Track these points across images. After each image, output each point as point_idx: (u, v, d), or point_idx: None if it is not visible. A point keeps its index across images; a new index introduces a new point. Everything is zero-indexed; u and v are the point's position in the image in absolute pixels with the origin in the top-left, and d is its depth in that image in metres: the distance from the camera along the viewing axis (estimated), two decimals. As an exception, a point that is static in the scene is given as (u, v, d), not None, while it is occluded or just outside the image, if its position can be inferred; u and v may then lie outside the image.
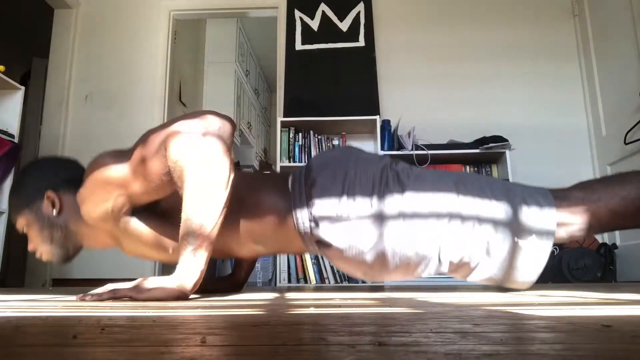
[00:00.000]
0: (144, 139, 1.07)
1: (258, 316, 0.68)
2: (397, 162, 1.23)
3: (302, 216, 1.15)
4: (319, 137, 3.24)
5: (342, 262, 1.19)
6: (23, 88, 2.78)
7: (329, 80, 3.47)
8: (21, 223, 1.25)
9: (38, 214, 1.22)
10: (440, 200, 1.13)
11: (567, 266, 2.57)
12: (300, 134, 3.22)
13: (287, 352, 0.36)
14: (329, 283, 2.93)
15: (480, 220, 1.11)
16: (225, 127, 1.06)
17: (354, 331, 0.48)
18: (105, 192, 1.11)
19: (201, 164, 1.00)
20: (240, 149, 5.44)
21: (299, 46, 3.55)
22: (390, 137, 3.15)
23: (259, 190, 1.22)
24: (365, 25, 3.55)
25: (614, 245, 2.76)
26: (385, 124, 3.18)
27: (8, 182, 2.62)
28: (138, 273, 1.56)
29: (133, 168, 1.07)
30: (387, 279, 1.20)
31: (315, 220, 1.14)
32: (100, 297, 0.99)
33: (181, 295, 0.99)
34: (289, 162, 3.16)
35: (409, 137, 3.09)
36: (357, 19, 3.57)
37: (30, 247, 1.27)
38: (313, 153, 3.19)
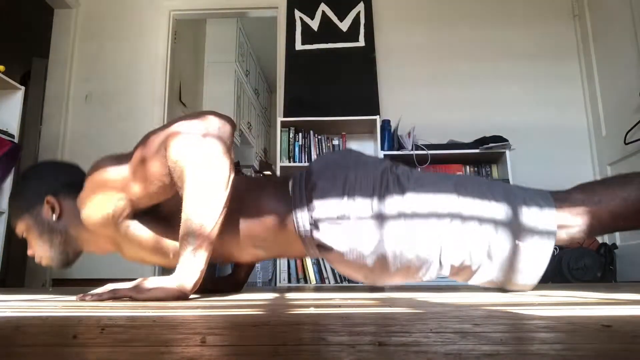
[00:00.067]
0: (144, 141, 1.07)
1: (258, 316, 0.68)
2: (398, 165, 1.23)
3: (302, 220, 1.15)
4: (319, 137, 3.24)
5: (343, 266, 1.18)
6: (23, 88, 2.78)
7: (329, 80, 3.47)
8: (21, 228, 1.25)
9: (38, 219, 1.22)
10: (441, 202, 1.13)
11: (567, 266, 2.57)
12: (300, 134, 3.22)
13: (287, 352, 0.36)
14: (329, 283, 2.93)
15: (481, 222, 1.11)
16: (226, 127, 1.06)
17: (354, 331, 0.48)
18: (106, 195, 1.10)
19: (201, 164, 1.00)
20: (240, 149, 5.44)
21: (299, 46, 3.55)
22: (390, 137, 3.15)
23: (259, 194, 1.22)
24: (365, 25, 3.55)
25: (614, 245, 2.76)
26: (385, 124, 3.18)
27: (8, 182, 2.62)
28: (138, 273, 1.56)
29: (133, 169, 1.07)
30: (389, 282, 1.20)
31: (316, 224, 1.14)
32: (100, 297, 0.99)
33: (181, 295, 0.99)
34: (289, 162, 3.16)
35: (409, 137, 3.09)
36: (357, 19, 3.57)
37: (29, 252, 1.27)
38: (313, 153, 3.19)
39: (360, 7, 3.58)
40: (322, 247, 1.16)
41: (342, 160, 1.24)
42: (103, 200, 1.11)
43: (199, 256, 0.99)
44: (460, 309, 0.74)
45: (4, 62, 2.67)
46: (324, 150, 3.23)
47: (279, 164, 3.16)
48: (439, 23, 3.57)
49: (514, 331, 0.48)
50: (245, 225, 1.17)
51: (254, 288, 2.28)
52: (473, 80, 3.43)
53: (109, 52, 3.63)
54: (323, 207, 1.13)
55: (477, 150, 3.02)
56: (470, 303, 0.88)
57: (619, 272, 2.70)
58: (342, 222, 1.12)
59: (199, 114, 1.08)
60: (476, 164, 3.18)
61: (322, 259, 2.88)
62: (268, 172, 5.64)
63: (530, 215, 1.11)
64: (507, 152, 2.99)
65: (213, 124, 1.04)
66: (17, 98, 2.75)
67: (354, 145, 3.39)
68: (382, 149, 3.10)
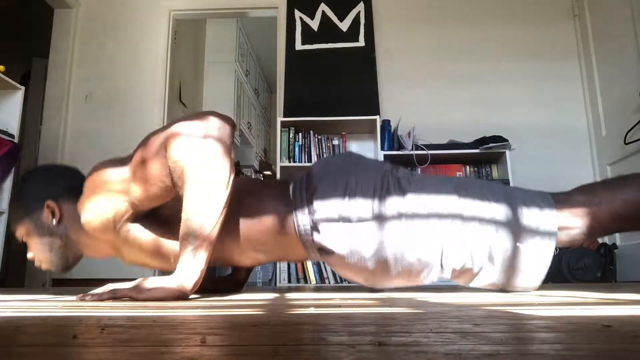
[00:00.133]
0: (144, 142, 1.07)
1: (258, 316, 0.68)
2: (398, 169, 1.24)
3: (303, 223, 1.15)
4: (319, 137, 3.24)
5: (344, 269, 1.18)
6: (23, 88, 2.78)
7: (329, 80, 3.47)
8: (21, 232, 1.25)
9: (38, 224, 1.22)
10: (442, 203, 1.13)
11: (567, 266, 2.57)
12: (300, 134, 3.22)
13: (287, 352, 0.36)
14: (329, 283, 2.93)
15: (482, 223, 1.11)
16: (226, 127, 1.06)
17: (354, 331, 0.48)
18: (106, 198, 1.10)
19: (201, 164, 1.00)
20: (240, 149, 5.44)
21: (299, 46, 3.55)
22: (390, 137, 3.15)
23: (260, 197, 1.22)
24: (365, 25, 3.55)
25: (614, 246, 2.76)
26: (385, 124, 3.18)
27: (8, 182, 2.62)
28: (138, 273, 1.56)
29: (133, 170, 1.07)
30: (390, 285, 1.20)
31: (317, 227, 1.14)
32: (100, 297, 0.99)
33: (181, 295, 0.99)
34: (289, 162, 3.16)
35: (409, 137, 3.09)
36: (357, 19, 3.57)
37: (29, 256, 1.26)
38: (313, 153, 3.19)
39: (360, 7, 3.59)
40: (323, 251, 1.16)
41: (342, 163, 1.24)
42: (103, 204, 1.10)
43: (199, 256, 0.99)
44: (460, 309, 0.74)
45: (4, 62, 2.67)
46: (324, 150, 3.23)
47: (279, 164, 3.16)
48: (439, 23, 3.57)
49: (514, 331, 0.48)
50: (246, 228, 1.17)
51: (254, 288, 2.28)
52: (473, 80, 3.43)
53: (109, 52, 3.63)
54: (324, 210, 1.13)
55: (477, 150, 3.02)
56: (470, 303, 0.88)
57: (619, 272, 2.70)
58: (343, 225, 1.12)
59: (199, 114, 1.08)
60: (476, 164, 3.18)
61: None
62: (268, 172, 5.65)
63: (531, 217, 1.11)
64: (507, 152, 2.99)
65: (213, 124, 1.04)
66: (17, 98, 2.75)
67: (354, 145, 3.39)
68: (382, 149, 3.10)
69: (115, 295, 0.99)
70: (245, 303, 0.99)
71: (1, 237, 2.56)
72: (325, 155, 3.21)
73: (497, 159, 3.12)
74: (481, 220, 1.11)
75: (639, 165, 2.68)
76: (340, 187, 1.15)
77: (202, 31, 5.10)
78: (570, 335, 0.44)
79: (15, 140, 2.69)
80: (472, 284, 1.16)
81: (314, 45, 3.55)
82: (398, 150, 3.11)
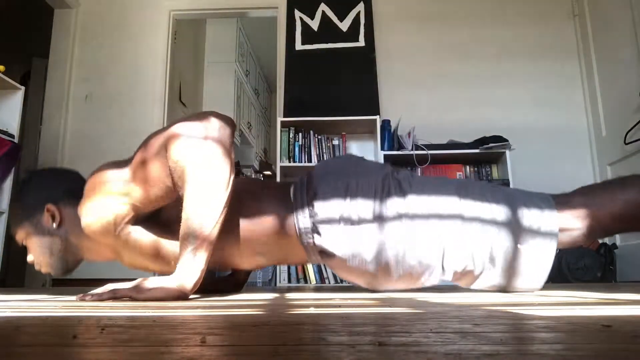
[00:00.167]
0: (144, 143, 1.07)
1: (258, 316, 0.68)
2: (399, 171, 1.24)
3: (304, 226, 1.15)
4: (319, 137, 3.24)
5: (345, 272, 1.18)
6: (23, 88, 2.78)
7: (329, 80, 3.47)
8: (21, 235, 1.25)
9: (38, 227, 1.22)
10: (442, 204, 1.13)
11: (567, 266, 2.57)
12: (300, 134, 3.22)
13: (287, 352, 0.36)
14: (329, 283, 2.93)
15: (483, 225, 1.11)
16: (226, 128, 1.06)
17: (354, 331, 0.48)
18: (107, 201, 1.09)
19: (202, 164, 1.00)
20: (240, 149, 5.44)
21: (299, 46, 3.55)
22: (390, 137, 3.15)
23: (260, 199, 1.21)
24: (365, 25, 3.55)
25: (614, 245, 2.76)
26: (385, 124, 3.18)
27: (8, 182, 2.62)
28: (138, 274, 1.56)
29: (134, 171, 1.07)
30: (391, 288, 1.20)
31: (318, 230, 1.14)
32: (100, 297, 0.99)
33: (181, 295, 0.99)
34: (289, 162, 3.16)
35: (409, 137, 3.09)
36: (357, 19, 3.57)
37: (29, 259, 1.26)
38: (313, 153, 3.19)
39: (360, 7, 3.59)
40: (324, 254, 1.16)
41: (343, 166, 1.24)
42: (104, 206, 1.10)
43: (199, 256, 0.99)
44: (460, 309, 0.74)
45: (4, 62, 2.67)
46: (324, 150, 3.23)
47: (279, 164, 3.16)
48: (439, 23, 3.57)
49: (514, 331, 0.48)
50: (246, 229, 1.17)
51: (254, 288, 2.28)
52: (473, 80, 3.43)
53: (109, 52, 3.63)
54: (324, 212, 1.13)
55: (477, 150, 3.02)
56: (470, 303, 0.88)
57: (619, 272, 2.70)
58: (344, 227, 1.12)
59: (199, 114, 1.08)
60: (476, 164, 3.18)
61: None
62: (268, 172, 5.65)
63: (531, 218, 1.11)
64: (507, 152, 2.99)
65: (213, 124, 1.04)
66: (17, 98, 2.75)
67: (354, 145, 3.39)
68: (382, 149, 3.10)
69: (115, 295, 0.99)
70: (245, 303, 0.99)
71: (1, 237, 2.56)
72: (325, 155, 3.21)
73: (497, 159, 3.12)
74: (482, 221, 1.11)
75: (639, 165, 2.68)
76: (341, 190, 1.15)
77: (202, 31, 5.10)
78: (570, 335, 0.44)
79: (15, 140, 2.69)
80: (474, 286, 1.16)
81: (314, 45, 3.55)
82: (398, 150, 3.11)
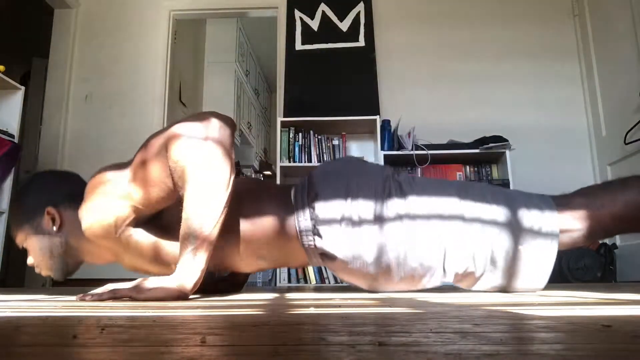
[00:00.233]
0: (144, 144, 1.07)
1: (258, 316, 0.68)
2: (399, 173, 1.24)
3: (305, 229, 1.15)
4: (319, 137, 3.24)
5: (346, 274, 1.18)
6: (23, 88, 2.78)
7: (329, 80, 3.47)
8: (21, 238, 1.25)
9: (38, 230, 1.21)
10: (443, 205, 1.13)
11: (567, 266, 2.57)
12: (300, 134, 3.22)
13: (287, 352, 0.36)
14: (329, 283, 2.93)
15: (483, 225, 1.11)
16: (226, 128, 1.06)
17: (354, 331, 0.48)
18: (108, 203, 1.09)
19: (202, 165, 1.00)
20: (240, 149, 5.44)
21: (299, 46, 3.56)
22: (390, 137, 3.15)
23: (261, 202, 1.21)
24: (365, 25, 3.55)
25: (614, 245, 2.76)
26: (385, 124, 3.18)
27: (8, 182, 2.62)
28: (138, 274, 1.56)
29: (134, 172, 1.07)
30: (392, 289, 1.20)
31: (319, 233, 1.14)
32: (100, 297, 0.99)
33: (181, 295, 0.99)
34: (289, 162, 3.16)
35: (409, 137, 3.09)
36: (357, 19, 3.57)
37: (29, 262, 1.26)
38: (313, 153, 3.19)
39: (360, 7, 3.59)
40: (326, 256, 1.16)
41: (343, 168, 1.24)
42: (104, 209, 1.10)
43: (199, 256, 0.99)
44: (460, 309, 0.74)
45: (4, 62, 2.67)
46: (324, 150, 3.23)
47: (279, 164, 3.16)
48: (439, 23, 3.57)
49: (514, 331, 0.48)
50: (247, 230, 1.16)
51: (254, 288, 2.28)
52: (473, 80, 3.43)
53: (109, 52, 3.63)
54: (325, 213, 1.13)
55: (477, 150, 3.02)
56: (470, 303, 0.88)
57: (619, 272, 2.70)
58: (345, 229, 1.12)
59: (199, 115, 1.08)
60: (476, 164, 3.18)
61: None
62: (268, 172, 5.66)
63: (532, 218, 1.11)
64: (507, 152, 2.99)
65: (214, 125, 1.04)
66: (17, 98, 2.75)
67: (354, 145, 3.39)
68: (382, 149, 3.10)
69: (115, 295, 0.99)
70: (245, 303, 0.99)
71: (1, 237, 2.56)
72: (325, 155, 3.21)
73: (497, 159, 3.12)
74: (483, 222, 1.11)
75: (639, 165, 2.68)
76: (342, 191, 1.15)
77: (202, 31, 5.10)
78: (570, 335, 0.44)
79: (15, 140, 2.69)
80: (475, 288, 1.16)
81: (314, 45, 3.55)
82: (398, 150, 3.11)
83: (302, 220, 1.15)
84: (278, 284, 2.98)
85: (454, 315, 0.64)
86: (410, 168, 3.15)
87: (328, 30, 3.56)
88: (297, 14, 3.60)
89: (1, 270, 2.65)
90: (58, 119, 3.47)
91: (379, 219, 1.12)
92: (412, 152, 3.04)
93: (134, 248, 1.14)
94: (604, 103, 3.17)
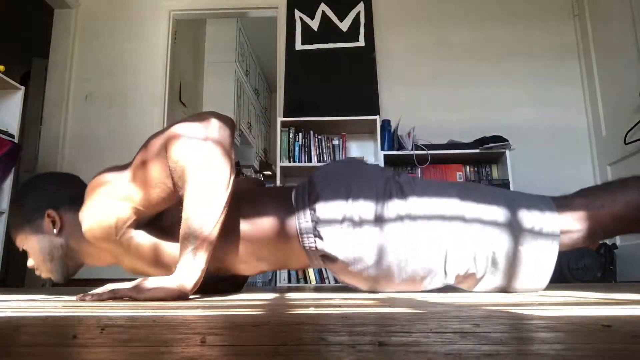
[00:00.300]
0: (144, 145, 1.07)
1: (258, 316, 0.68)
2: (400, 174, 1.24)
3: (306, 231, 1.15)
4: (319, 137, 3.24)
5: (347, 276, 1.18)
6: (23, 88, 2.78)
7: (329, 80, 3.47)
8: (21, 241, 1.25)
9: (38, 233, 1.21)
10: (444, 207, 1.13)
11: (567, 266, 2.57)
12: (300, 134, 3.22)
13: (287, 352, 0.36)
14: (329, 283, 2.93)
15: (484, 227, 1.11)
16: (226, 128, 1.06)
17: (354, 331, 0.48)
18: (108, 205, 1.09)
19: (202, 165, 1.00)
20: (240, 149, 5.44)
21: (299, 46, 3.56)
22: (390, 137, 3.15)
23: (261, 202, 1.21)
24: (365, 25, 3.55)
25: (614, 245, 2.76)
26: (385, 124, 3.18)
27: (8, 182, 2.62)
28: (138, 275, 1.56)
29: (134, 172, 1.06)
30: (393, 291, 1.20)
31: (320, 235, 1.14)
32: (100, 297, 0.99)
33: (181, 295, 0.99)
34: (289, 162, 3.16)
35: (409, 137, 3.09)
36: (357, 19, 3.57)
37: (29, 264, 1.26)
38: (313, 153, 3.19)
39: (360, 7, 3.59)
40: (326, 258, 1.16)
41: (344, 170, 1.24)
42: (105, 211, 1.09)
43: (199, 256, 0.99)
44: (460, 309, 0.74)
45: (4, 62, 2.67)
46: (324, 150, 3.23)
47: (279, 164, 3.16)
48: (439, 23, 3.57)
49: (514, 331, 0.48)
50: (248, 237, 1.16)
51: (254, 288, 2.28)
52: (473, 80, 3.43)
53: (109, 52, 3.63)
54: (326, 214, 1.13)
55: (477, 150, 3.02)
56: (470, 303, 0.88)
57: (619, 272, 2.70)
58: (346, 230, 1.12)
59: (199, 115, 1.08)
60: (476, 164, 3.18)
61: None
62: (268, 172, 5.66)
63: (532, 219, 1.11)
64: (507, 152, 2.99)
65: (213, 125, 1.04)
66: (17, 98, 2.75)
67: (354, 145, 3.39)
68: (382, 149, 3.10)
69: (115, 295, 0.99)
70: (245, 303, 0.99)
71: (1, 237, 2.56)
72: (325, 155, 3.21)
73: (497, 159, 3.12)
74: (483, 223, 1.11)
75: (639, 165, 2.68)
76: (342, 192, 1.15)
77: (202, 31, 5.10)
78: (570, 335, 0.44)
79: (15, 140, 2.69)
80: (476, 289, 1.16)
81: (314, 45, 3.55)
82: (398, 150, 3.11)
83: (302, 221, 1.15)
84: (278, 284, 2.98)
85: (454, 315, 0.64)
86: (410, 168, 3.15)
87: (328, 30, 3.56)
88: (297, 14, 3.60)
89: (1, 270, 2.65)
90: (58, 119, 3.47)
91: (380, 220, 1.12)
92: (412, 152, 3.04)
93: (134, 250, 1.14)
94: (604, 103, 3.17)
